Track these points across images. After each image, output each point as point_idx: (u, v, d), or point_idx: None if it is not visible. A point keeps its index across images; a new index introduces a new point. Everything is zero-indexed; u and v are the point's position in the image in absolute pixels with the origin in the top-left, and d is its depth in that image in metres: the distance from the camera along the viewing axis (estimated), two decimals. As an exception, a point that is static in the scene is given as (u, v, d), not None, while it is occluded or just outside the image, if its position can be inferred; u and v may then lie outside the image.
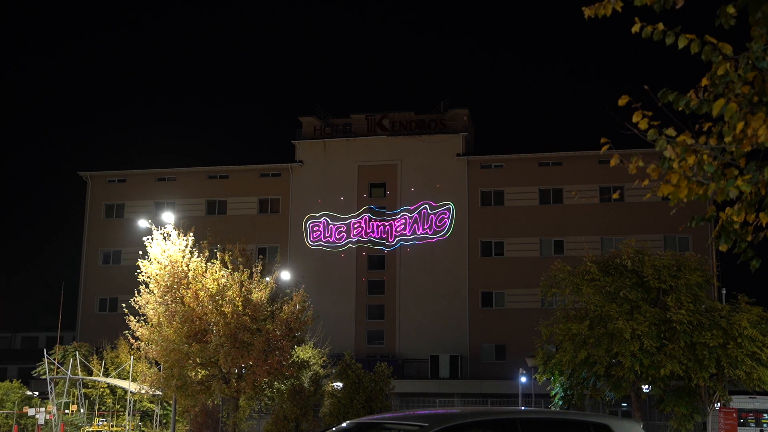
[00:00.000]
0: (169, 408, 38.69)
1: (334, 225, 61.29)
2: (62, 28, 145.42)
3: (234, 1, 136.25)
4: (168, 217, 29.21)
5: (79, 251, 65.87)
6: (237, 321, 26.26)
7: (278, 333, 27.25)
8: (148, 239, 27.87)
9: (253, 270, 28.08)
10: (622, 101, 5.68)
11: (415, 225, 60.22)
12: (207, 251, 28.30)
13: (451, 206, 59.96)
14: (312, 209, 62.05)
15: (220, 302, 26.42)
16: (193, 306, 26.38)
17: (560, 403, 26.48)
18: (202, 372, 27.69)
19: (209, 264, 27.52)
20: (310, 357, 34.58)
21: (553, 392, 26.85)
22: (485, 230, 59.76)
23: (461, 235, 59.77)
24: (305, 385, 30.63)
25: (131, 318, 27.87)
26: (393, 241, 60.47)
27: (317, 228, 61.45)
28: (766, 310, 24.83)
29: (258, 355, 26.37)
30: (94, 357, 44.80)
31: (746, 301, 25.02)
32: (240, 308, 26.41)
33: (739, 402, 29.92)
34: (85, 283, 64.56)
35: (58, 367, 43.91)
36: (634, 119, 5.60)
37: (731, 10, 5.27)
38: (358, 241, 60.85)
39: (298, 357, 30.64)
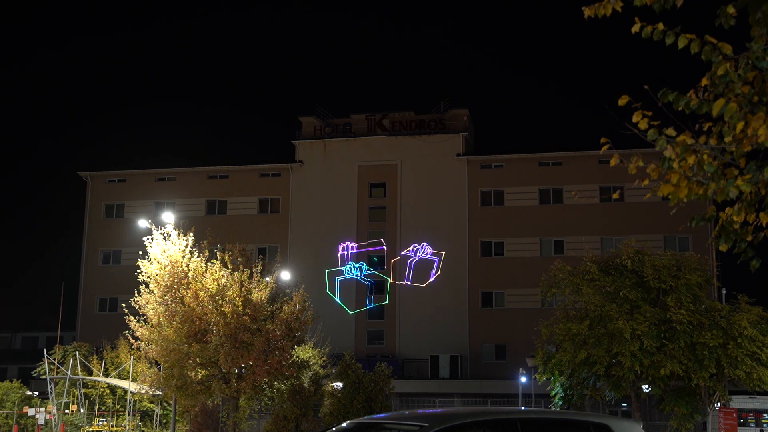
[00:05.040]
0: (169, 408, 38.69)
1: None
2: (63, 28, 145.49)
3: (234, 1, 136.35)
4: (168, 217, 29.21)
5: (79, 251, 65.90)
6: (237, 321, 26.26)
7: (278, 333, 27.26)
8: (148, 239, 27.87)
9: (253, 270, 28.08)
10: (622, 101, 5.68)
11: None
12: (207, 251, 28.30)
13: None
14: (312, 209, 62.05)
15: (220, 302, 26.41)
16: (193, 306, 26.38)
17: (560, 403, 26.47)
18: (202, 372, 27.69)
19: (209, 264, 27.51)
20: (310, 357, 34.57)
21: (553, 392, 26.84)
22: (485, 230, 59.74)
23: (461, 235, 59.77)
24: (305, 385, 30.64)
25: (131, 318, 27.87)
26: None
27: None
28: (766, 310, 24.81)
29: (258, 355, 26.37)
30: (94, 357, 44.78)
31: (746, 301, 25.00)
32: (240, 308, 26.40)
33: (739, 402, 29.90)
34: (85, 283, 64.54)
35: (58, 367, 43.90)
36: (634, 119, 5.60)
37: (731, 10, 5.27)
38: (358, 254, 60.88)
39: (298, 357, 30.64)
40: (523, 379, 48.35)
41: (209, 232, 30.05)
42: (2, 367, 69.55)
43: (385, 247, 60.78)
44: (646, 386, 26.27)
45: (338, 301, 59.44)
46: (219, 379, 27.34)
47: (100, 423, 41.07)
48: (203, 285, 26.60)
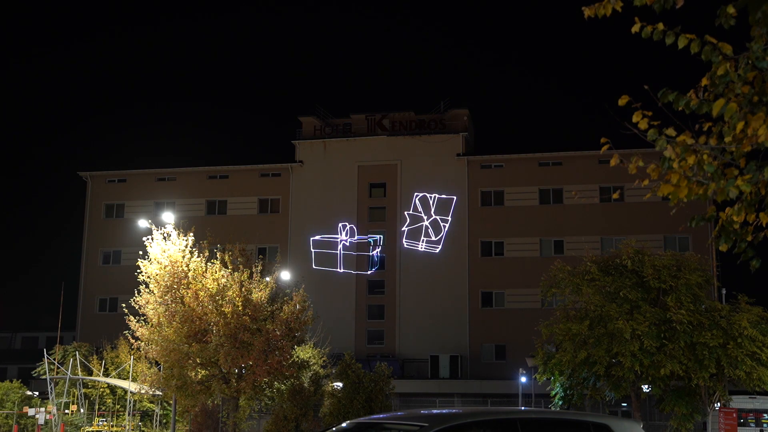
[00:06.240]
0: (169, 408, 38.69)
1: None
2: (63, 28, 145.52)
3: (234, 1, 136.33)
4: (168, 217, 29.21)
5: (79, 251, 65.91)
6: (237, 321, 26.26)
7: (278, 333, 27.25)
8: (148, 239, 27.86)
9: (253, 270, 28.07)
10: (622, 101, 5.68)
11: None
12: (207, 251, 28.29)
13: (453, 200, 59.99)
14: (312, 209, 62.04)
15: (220, 302, 26.41)
16: (193, 306, 26.37)
17: (560, 403, 26.47)
18: (202, 372, 27.68)
19: (209, 264, 27.51)
20: (310, 357, 34.57)
21: (553, 392, 26.84)
22: (485, 230, 59.74)
23: (461, 235, 59.76)
24: (305, 385, 30.63)
25: (131, 318, 27.86)
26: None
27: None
28: (766, 310, 24.81)
29: (258, 355, 26.37)
30: (94, 357, 44.78)
31: (746, 301, 24.99)
32: (240, 308, 26.40)
33: (739, 402, 29.91)
34: (85, 283, 64.55)
35: (58, 367, 43.90)
36: (634, 119, 5.60)
37: (731, 10, 5.27)
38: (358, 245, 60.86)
39: (298, 357, 30.63)
40: (523, 379, 48.35)
41: (209, 232, 30.04)
42: (2, 367, 69.54)
43: (379, 243, 60.83)
44: (646, 386, 26.26)
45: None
46: (219, 379, 27.34)
47: (100, 423, 41.07)
48: (203, 285, 26.60)
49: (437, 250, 59.40)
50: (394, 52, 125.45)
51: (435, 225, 59.80)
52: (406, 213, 60.13)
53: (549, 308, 32.18)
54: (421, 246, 59.52)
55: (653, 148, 5.55)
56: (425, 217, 59.87)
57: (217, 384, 27.13)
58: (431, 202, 60.01)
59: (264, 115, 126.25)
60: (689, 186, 5.44)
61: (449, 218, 59.71)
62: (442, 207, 59.99)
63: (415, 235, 59.93)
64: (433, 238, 59.62)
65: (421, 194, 60.13)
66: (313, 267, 59.45)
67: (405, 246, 59.84)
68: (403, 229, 60.03)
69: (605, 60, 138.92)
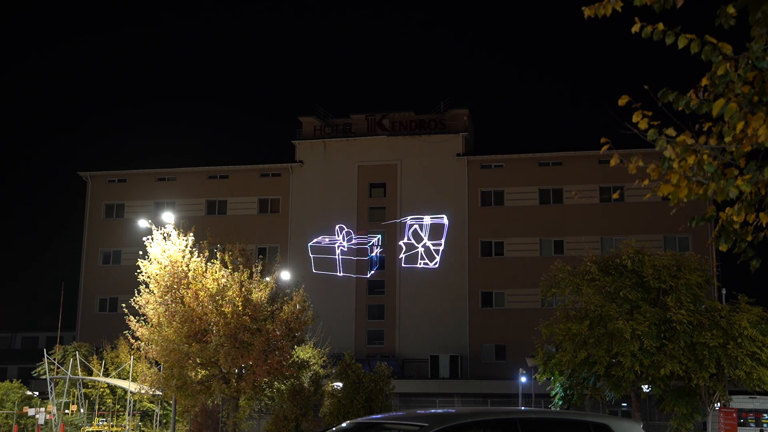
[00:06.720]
0: (169, 408, 38.69)
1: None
2: (63, 28, 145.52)
3: (234, 1, 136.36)
4: (168, 217, 29.21)
5: (79, 251, 65.91)
6: (237, 321, 26.26)
7: (278, 333, 27.25)
8: (148, 239, 27.87)
9: (253, 270, 28.07)
10: (622, 101, 5.68)
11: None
12: (207, 251, 28.29)
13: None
14: (312, 209, 62.03)
15: (220, 302, 26.41)
16: (193, 306, 26.37)
17: (560, 403, 26.46)
18: (202, 372, 27.69)
19: (209, 264, 27.51)
20: (310, 357, 34.57)
21: (553, 392, 26.84)
22: (485, 230, 59.73)
23: (461, 235, 59.76)
24: (305, 385, 30.64)
25: (131, 318, 27.87)
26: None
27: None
28: (766, 310, 24.80)
29: (258, 355, 26.37)
30: (94, 357, 44.79)
31: (746, 301, 24.99)
32: (240, 308, 26.40)
33: (739, 402, 29.91)
34: (85, 283, 64.55)
35: (58, 367, 43.90)
36: (634, 119, 5.60)
37: (731, 10, 5.27)
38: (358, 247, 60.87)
39: (298, 357, 30.63)
40: (523, 379, 48.34)
41: (209, 232, 30.04)
42: (2, 367, 69.54)
43: (379, 243, 60.83)
44: (646, 386, 26.26)
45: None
46: (219, 379, 27.34)
47: (100, 423, 41.07)
48: (203, 285, 26.60)
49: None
50: (394, 52, 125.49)
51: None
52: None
53: (549, 308, 32.17)
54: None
55: (653, 148, 5.55)
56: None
57: (217, 384, 27.13)
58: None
59: (264, 115, 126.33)
60: (689, 186, 5.44)
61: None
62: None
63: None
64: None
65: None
66: (313, 271, 59.44)
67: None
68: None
69: (605, 60, 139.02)
